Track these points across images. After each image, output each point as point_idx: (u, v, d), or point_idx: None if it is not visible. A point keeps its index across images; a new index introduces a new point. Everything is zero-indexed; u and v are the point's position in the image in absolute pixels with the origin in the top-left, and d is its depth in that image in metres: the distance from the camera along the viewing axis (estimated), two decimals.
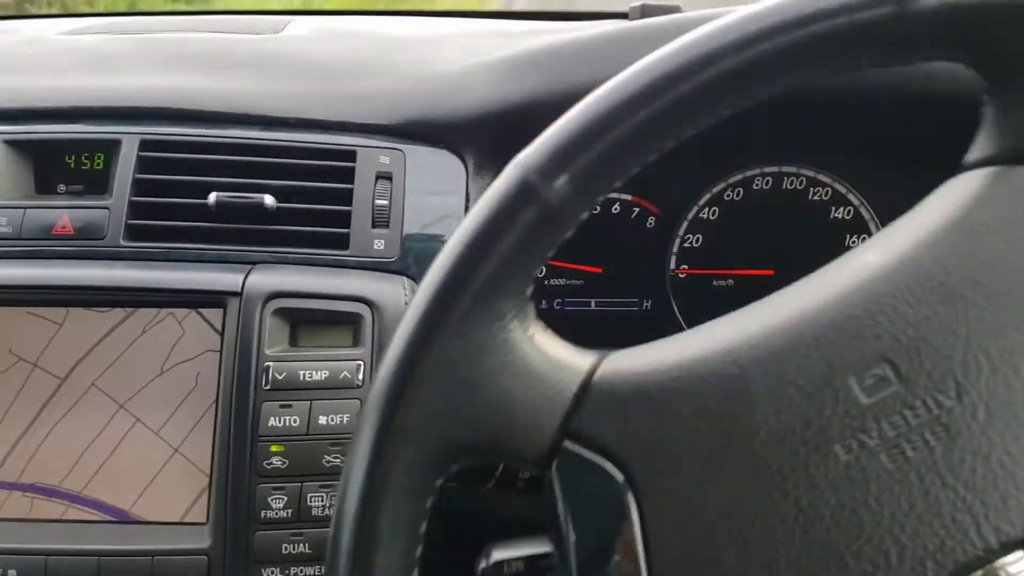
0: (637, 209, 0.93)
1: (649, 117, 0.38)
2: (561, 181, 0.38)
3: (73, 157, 0.83)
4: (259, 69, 0.91)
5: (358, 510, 0.39)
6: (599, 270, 0.94)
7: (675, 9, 0.98)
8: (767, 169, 0.92)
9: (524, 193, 0.39)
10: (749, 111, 0.84)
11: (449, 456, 0.40)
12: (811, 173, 0.93)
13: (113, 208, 0.79)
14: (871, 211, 0.92)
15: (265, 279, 0.75)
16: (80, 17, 1.14)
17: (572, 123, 0.39)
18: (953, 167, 0.44)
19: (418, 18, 1.16)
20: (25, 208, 0.79)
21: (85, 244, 0.78)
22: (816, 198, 0.93)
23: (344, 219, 0.80)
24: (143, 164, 0.81)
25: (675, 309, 0.94)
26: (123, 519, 0.73)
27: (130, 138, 0.81)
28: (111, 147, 0.82)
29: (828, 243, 0.93)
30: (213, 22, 1.10)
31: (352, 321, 0.75)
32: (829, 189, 0.93)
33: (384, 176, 0.82)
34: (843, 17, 0.38)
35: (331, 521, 0.40)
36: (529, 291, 0.41)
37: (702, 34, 0.39)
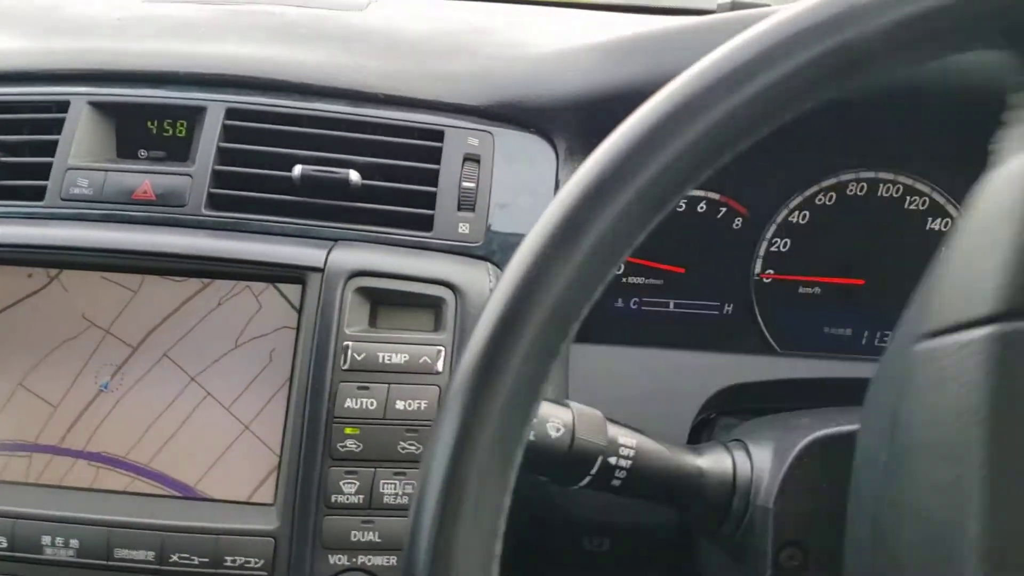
0: (724, 209, 0.90)
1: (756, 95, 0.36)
2: None
3: (156, 123, 0.82)
4: (346, 43, 0.89)
5: (440, 496, 0.36)
6: (682, 270, 0.90)
7: (764, 5, 0.96)
8: (863, 175, 0.88)
9: None
10: (849, 112, 0.80)
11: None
12: (909, 181, 0.89)
13: (196, 176, 0.77)
14: None
15: (348, 256, 0.73)
16: None
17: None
18: None
19: (498, 4, 1.13)
20: (107, 171, 0.78)
21: (166, 211, 0.77)
22: (913, 207, 0.89)
23: (429, 200, 0.78)
24: (228, 133, 0.79)
25: (757, 315, 0.91)
26: (188, 494, 0.71)
27: (216, 106, 0.79)
28: (196, 114, 0.80)
29: (923, 256, 0.89)
30: None
31: (434, 305, 0.72)
32: (927, 199, 0.89)
33: (472, 158, 0.79)
34: None
35: (410, 509, 0.38)
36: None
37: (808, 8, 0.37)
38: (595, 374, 0.81)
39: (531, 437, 0.54)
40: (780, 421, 0.65)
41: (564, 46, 0.86)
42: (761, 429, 0.65)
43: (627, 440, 0.58)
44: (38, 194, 0.77)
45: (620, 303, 0.91)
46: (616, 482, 0.57)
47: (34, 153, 0.80)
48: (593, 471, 0.56)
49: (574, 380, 0.80)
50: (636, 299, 0.92)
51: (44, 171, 0.78)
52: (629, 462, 0.57)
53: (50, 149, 0.78)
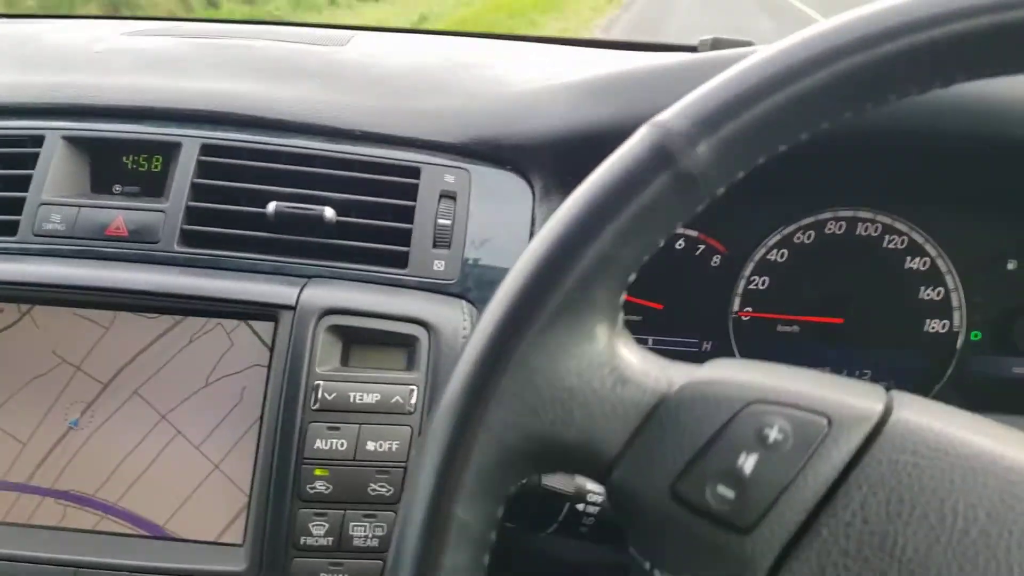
0: (702, 246, 0.89)
1: (811, 88, 0.35)
2: (703, 147, 0.36)
3: (131, 157, 0.82)
4: (325, 80, 0.89)
5: (427, 510, 0.36)
6: (660, 306, 0.90)
7: (747, 44, 0.96)
8: (841, 213, 0.88)
9: (659, 156, 0.36)
10: (827, 151, 0.80)
11: (522, 460, 0.37)
12: (887, 220, 0.89)
13: (169, 212, 0.77)
14: (949, 263, 0.88)
15: (320, 294, 0.72)
16: (145, 20, 1.12)
17: (724, 86, 0.36)
18: None
19: (479, 40, 1.14)
20: (80, 206, 0.77)
21: (138, 247, 0.76)
22: (891, 246, 0.89)
23: (404, 237, 0.77)
24: (203, 168, 0.79)
25: (736, 352, 0.90)
26: (157, 534, 0.70)
27: (191, 141, 0.79)
28: (171, 149, 0.80)
29: (901, 294, 0.89)
30: (276, 32, 1.08)
31: (407, 343, 0.72)
32: (905, 238, 0.89)
33: (448, 195, 0.79)
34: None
35: (397, 522, 0.38)
36: (631, 278, 0.38)
37: (877, 11, 0.36)
38: None
39: None
40: None
41: (541, 84, 0.86)
42: None
43: (595, 486, 0.57)
44: (10, 229, 0.77)
45: None
46: (583, 528, 0.57)
47: (7, 188, 0.79)
48: (560, 518, 0.56)
49: None
50: None
51: (17, 206, 0.77)
52: (597, 508, 0.57)
53: (24, 184, 0.78)
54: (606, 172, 0.37)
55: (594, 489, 0.57)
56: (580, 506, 0.56)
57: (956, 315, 0.88)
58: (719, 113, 0.36)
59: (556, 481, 0.56)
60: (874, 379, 0.90)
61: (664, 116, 0.37)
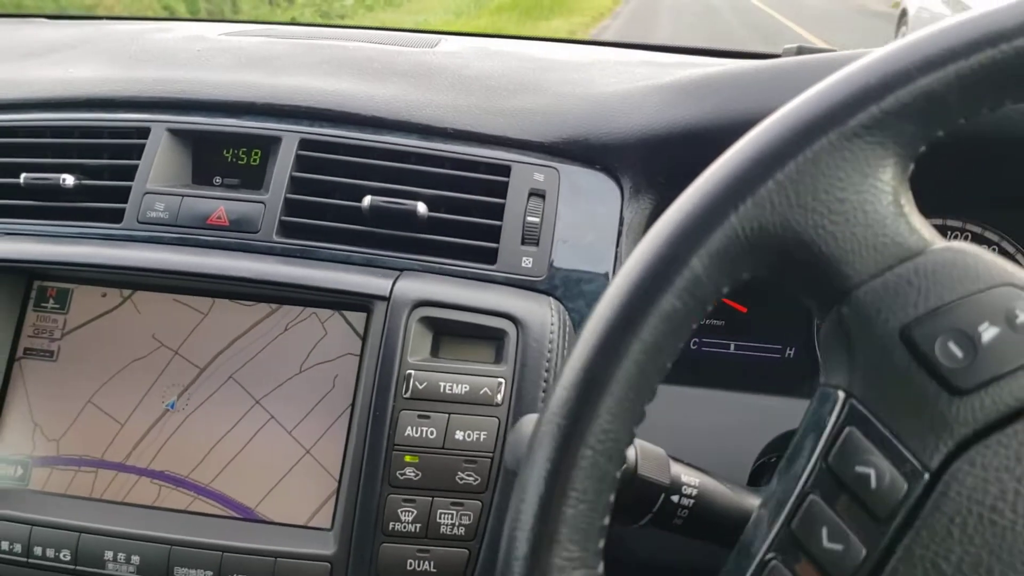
0: None
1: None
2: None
3: (231, 151, 0.84)
4: (417, 79, 0.90)
5: (536, 516, 0.37)
6: (744, 309, 0.90)
7: (829, 51, 0.95)
8: (930, 220, 0.87)
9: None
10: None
11: (765, 254, 0.38)
12: (977, 229, 0.87)
13: (268, 203, 0.79)
14: None
15: (413, 286, 0.74)
16: (240, 23, 1.16)
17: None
18: None
19: (566, 45, 1.15)
20: (183, 196, 0.80)
21: (238, 236, 0.78)
22: None
23: (494, 233, 0.78)
24: (301, 163, 0.81)
25: (820, 361, 0.89)
26: (248, 516, 0.72)
27: (290, 136, 0.81)
28: (270, 143, 0.82)
29: None
30: (367, 35, 1.11)
31: (496, 337, 0.73)
32: (996, 247, 0.87)
33: (537, 193, 0.80)
34: None
35: (507, 520, 0.38)
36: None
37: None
38: (653, 413, 0.80)
39: None
40: None
41: (630, 85, 0.86)
42: None
43: (690, 479, 0.57)
44: (116, 216, 0.80)
45: None
46: (678, 520, 0.57)
47: (114, 177, 0.82)
48: (655, 508, 0.56)
49: None
50: (696, 339, 0.91)
51: (123, 194, 0.80)
52: (692, 500, 0.57)
53: (129, 173, 0.81)
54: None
55: (689, 481, 0.57)
56: (675, 497, 0.56)
57: None
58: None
59: (653, 471, 0.56)
60: None
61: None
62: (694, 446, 0.69)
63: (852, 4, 15.44)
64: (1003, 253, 0.87)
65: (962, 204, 0.87)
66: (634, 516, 0.57)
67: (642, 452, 0.57)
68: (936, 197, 0.87)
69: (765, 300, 0.89)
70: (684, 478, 0.57)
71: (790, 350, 0.90)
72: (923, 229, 0.39)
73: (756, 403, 0.82)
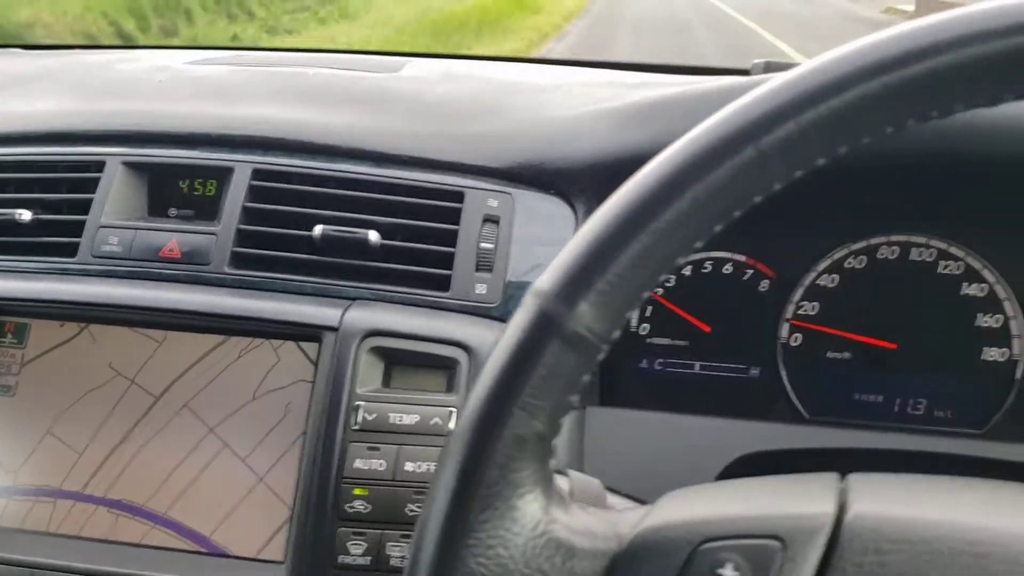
0: (751, 271, 0.89)
1: (664, 226, 0.36)
2: (583, 305, 0.36)
3: (187, 182, 0.85)
4: (375, 106, 0.91)
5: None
6: (707, 328, 0.89)
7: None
8: (894, 238, 0.87)
9: (544, 324, 0.36)
10: (879, 175, 0.79)
11: None
12: (942, 245, 0.87)
13: (220, 235, 0.80)
14: (1008, 290, 0.86)
15: (363, 316, 0.74)
16: (206, 50, 1.17)
17: (587, 239, 0.37)
18: None
19: (532, 65, 1.15)
20: (136, 229, 0.81)
21: (190, 268, 0.79)
22: (947, 271, 0.87)
23: (447, 260, 0.79)
24: (254, 193, 0.81)
25: (784, 379, 0.89)
26: (203, 544, 0.72)
27: (243, 166, 0.82)
28: (224, 174, 0.83)
29: (958, 321, 0.87)
30: (335, 59, 1.12)
31: (448, 366, 0.73)
32: (962, 263, 0.86)
33: (491, 219, 0.80)
34: None
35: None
36: (554, 442, 0.38)
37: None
38: (615, 437, 0.80)
39: None
40: None
41: (585, 109, 0.87)
42: None
43: None
44: (71, 251, 0.81)
45: (644, 364, 0.91)
46: None
47: (71, 211, 0.83)
48: None
49: (594, 443, 0.79)
50: (661, 360, 0.91)
51: (78, 229, 0.81)
52: None
53: (85, 207, 0.82)
54: (502, 350, 0.37)
55: None
56: None
57: (1016, 343, 0.86)
58: (588, 269, 0.36)
59: (587, 503, 0.56)
60: (930, 408, 0.88)
61: (541, 282, 0.37)
62: (652, 471, 0.69)
63: (840, 9, 14.98)
64: (969, 269, 0.86)
65: (926, 221, 0.86)
66: None
67: (577, 484, 0.56)
68: (900, 213, 0.87)
69: (728, 323, 0.89)
70: None
71: (754, 370, 0.90)
72: (602, 538, 0.38)
73: (718, 426, 0.82)
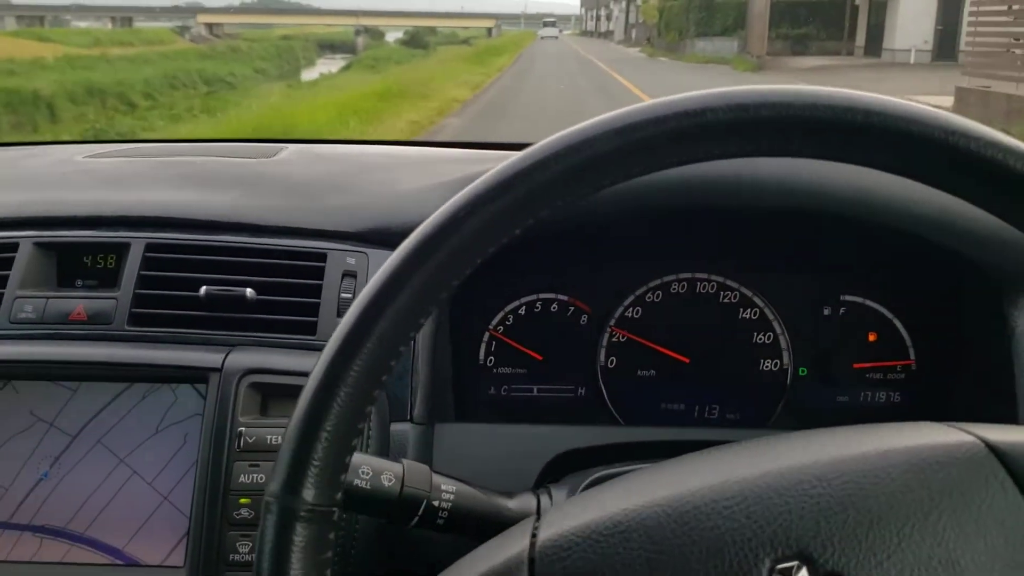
0: (572, 308, 1.08)
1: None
2: (308, 490, 0.50)
3: (90, 256, 1.00)
4: (253, 186, 1.08)
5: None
6: (540, 357, 1.08)
7: None
8: (682, 275, 1.07)
9: (283, 521, 0.50)
10: (666, 223, 0.99)
11: None
12: (720, 279, 1.08)
13: (120, 299, 0.95)
14: (774, 312, 1.07)
15: (242, 358, 0.90)
16: (106, 143, 1.33)
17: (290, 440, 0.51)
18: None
19: (391, 147, 1.35)
20: (48, 298, 0.95)
21: (96, 328, 0.94)
22: (726, 300, 1.08)
23: (313, 310, 0.95)
24: (148, 263, 0.97)
25: (604, 396, 1.08)
26: (117, 556, 0.86)
27: (138, 242, 0.98)
28: (122, 249, 0.99)
29: (738, 340, 1.07)
30: (220, 148, 1.29)
31: None
32: (737, 293, 1.07)
33: (350, 274, 0.98)
34: None
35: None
36: None
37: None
38: (461, 447, 0.94)
39: (367, 487, 0.69)
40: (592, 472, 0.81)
41: (424, 183, 1.05)
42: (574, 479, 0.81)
43: (448, 487, 0.72)
44: None
45: (492, 390, 1.09)
46: (440, 521, 0.72)
47: None
48: (420, 512, 0.71)
49: (442, 451, 0.92)
50: (506, 387, 1.09)
51: None
52: (450, 503, 0.72)
53: (3, 281, 0.96)
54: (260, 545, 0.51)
55: (447, 488, 0.72)
56: (435, 502, 0.72)
57: (785, 355, 1.07)
58: (303, 463, 0.51)
59: (416, 483, 0.71)
60: (723, 412, 1.08)
61: (271, 489, 0.51)
62: (488, 471, 0.84)
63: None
64: (743, 297, 1.07)
65: (706, 261, 1.07)
66: (403, 519, 0.72)
67: (408, 468, 0.72)
68: (685, 256, 1.07)
69: (557, 350, 1.08)
70: (444, 487, 0.72)
71: (581, 389, 1.09)
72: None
73: (548, 431, 0.96)
